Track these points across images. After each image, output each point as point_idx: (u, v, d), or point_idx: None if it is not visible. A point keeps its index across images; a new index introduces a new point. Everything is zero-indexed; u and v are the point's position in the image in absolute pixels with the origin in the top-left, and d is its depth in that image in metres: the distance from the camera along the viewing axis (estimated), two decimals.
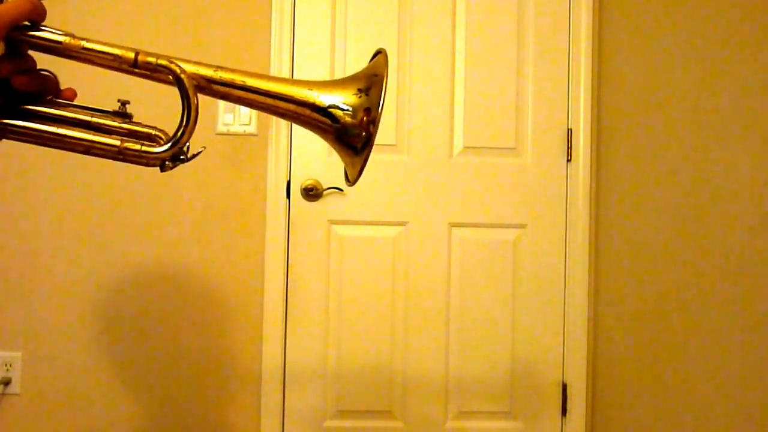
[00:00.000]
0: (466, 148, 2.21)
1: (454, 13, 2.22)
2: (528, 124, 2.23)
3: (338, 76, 2.19)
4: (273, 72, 2.14)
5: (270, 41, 2.16)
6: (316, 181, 2.15)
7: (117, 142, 0.63)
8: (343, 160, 0.68)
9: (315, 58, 2.18)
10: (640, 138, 1.98)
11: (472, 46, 2.22)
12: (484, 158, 2.21)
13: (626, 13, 2.11)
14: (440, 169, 2.20)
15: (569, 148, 2.22)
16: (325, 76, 2.19)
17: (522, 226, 2.22)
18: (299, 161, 2.16)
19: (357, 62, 2.19)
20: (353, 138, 0.65)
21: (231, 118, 2.12)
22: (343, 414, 2.16)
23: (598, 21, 2.23)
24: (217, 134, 2.13)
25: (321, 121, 0.66)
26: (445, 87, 2.21)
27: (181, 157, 0.64)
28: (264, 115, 2.13)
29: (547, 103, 2.23)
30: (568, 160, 2.22)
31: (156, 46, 2.10)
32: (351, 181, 0.68)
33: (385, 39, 2.19)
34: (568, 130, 2.23)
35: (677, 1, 1.81)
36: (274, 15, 2.15)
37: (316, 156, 2.16)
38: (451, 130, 2.21)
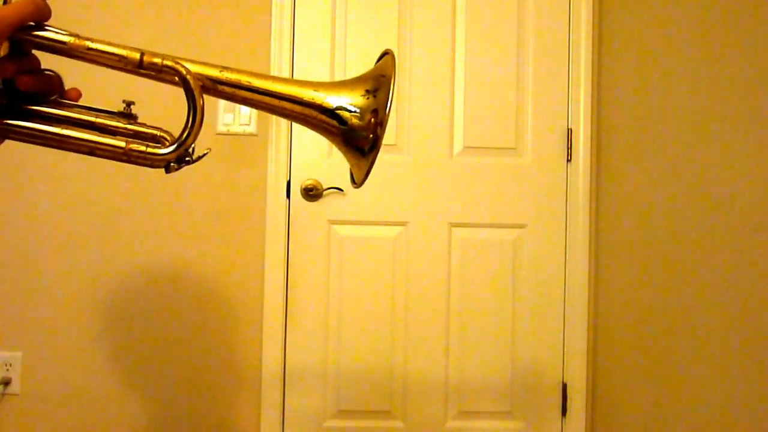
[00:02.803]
0: (466, 148, 2.21)
1: (454, 13, 2.22)
2: (528, 124, 2.23)
3: (338, 75, 2.19)
4: (273, 71, 2.14)
5: (270, 40, 2.15)
6: (316, 181, 2.15)
7: (122, 144, 0.62)
8: (350, 162, 0.67)
9: (315, 58, 2.18)
10: (640, 138, 1.98)
11: (472, 46, 2.22)
12: (484, 158, 2.21)
13: (626, 13, 2.11)
14: (440, 169, 2.20)
15: (569, 148, 2.22)
16: (326, 76, 2.18)
17: (522, 226, 2.22)
18: (299, 161, 2.16)
19: (357, 61, 2.19)
20: (360, 140, 0.64)
21: (231, 118, 2.12)
22: (343, 414, 2.16)
23: (598, 21, 2.23)
24: (217, 134, 2.12)
25: (328, 123, 0.65)
26: (445, 87, 2.21)
27: (186, 158, 0.63)
28: (264, 115, 2.12)
29: (547, 103, 2.23)
30: (568, 160, 2.23)
31: (155, 46, 2.09)
32: (357, 183, 0.68)
33: (385, 38, 2.19)
34: (568, 130, 2.23)
35: (677, 2, 1.82)
36: (274, 14, 2.15)
37: (316, 156, 2.16)
38: (451, 130, 2.21)
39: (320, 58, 2.18)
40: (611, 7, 2.19)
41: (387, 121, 0.64)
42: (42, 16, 0.60)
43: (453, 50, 2.22)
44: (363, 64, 2.18)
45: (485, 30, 2.22)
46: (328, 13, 2.19)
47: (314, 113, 0.65)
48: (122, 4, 2.13)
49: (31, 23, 0.59)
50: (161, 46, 2.11)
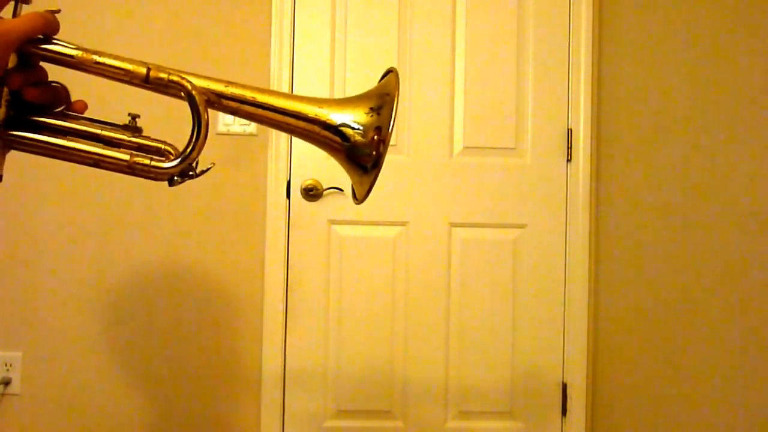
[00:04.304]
0: (466, 148, 2.21)
1: (454, 14, 2.22)
2: (528, 124, 2.23)
3: (339, 76, 2.18)
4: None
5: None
6: (316, 181, 2.15)
7: (126, 157, 0.63)
8: (352, 178, 0.67)
9: (315, 60, 2.17)
10: (640, 138, 1.98)
11: (472, 46, 2.22)
12: (484, 158, 2.21)
13: (626, 13, 2.10)
14: (440, 169, 2.20)
15: (569, 148, 2.22)
16: (326, 78, 2.18)
17: (522, 226, 2.22)
18: (299, 161, 2.16)
19: (357, 62, 2.18)
20: (363, 157, 0.64)
21: (231, 118, 2.11)
22: (343, 414, 2.17)
23: (598, 21, 2.23)
24: (217, 134, 2.12)
25: (331, 139, 0.65)
26: (445, 87, 2.21)
27: (190, 172, 0.64)
28: None
29: (547, 103, 2.23)
30: (568, 160, 2.23)
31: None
32: (359, 199, 0.68)
33: (385, 39, 2.19)
34: (568, 130, 2.23)
35: (677, 2, 1.81)
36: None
37: (316, 156, 2.16)
38: (451, 130, 2.21)
39: (320, 59, 2.17)
40: (611, 7, 2.19)
41: (390, 139, 0.64)
42: (50, 30, 0.60)
43: (453, 50, 2.22)
44: (363, 65, 2.18)
45: (485, 30, 2.22)
46: (329, 12, 2.18)
47: (317, 129, 0.65)
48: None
49: (40, 36, 0.60)
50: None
